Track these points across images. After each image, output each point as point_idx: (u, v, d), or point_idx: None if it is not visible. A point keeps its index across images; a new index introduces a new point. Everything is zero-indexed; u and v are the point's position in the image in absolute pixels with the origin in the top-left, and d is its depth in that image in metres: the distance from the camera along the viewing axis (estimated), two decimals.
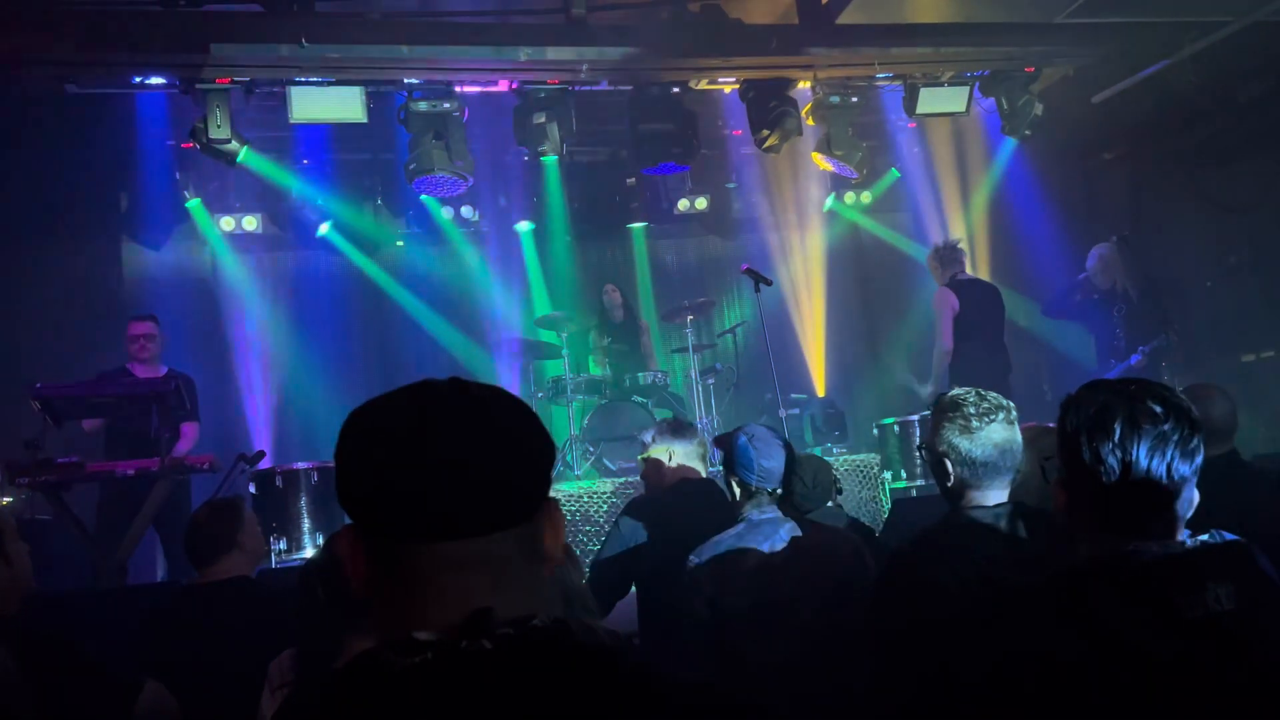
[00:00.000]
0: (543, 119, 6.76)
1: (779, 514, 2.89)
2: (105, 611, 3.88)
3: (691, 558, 2.87)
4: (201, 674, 2.66)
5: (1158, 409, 1.52)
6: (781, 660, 2.66)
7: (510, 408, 1.05)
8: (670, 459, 3.70)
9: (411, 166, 6.69)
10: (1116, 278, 6.83)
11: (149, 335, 5.98)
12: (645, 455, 3.79)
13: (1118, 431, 1.51)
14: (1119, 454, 1.50)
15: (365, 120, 6.45)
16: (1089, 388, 1.62)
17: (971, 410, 2.26)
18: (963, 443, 2.24)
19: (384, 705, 0.91)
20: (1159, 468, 1.49)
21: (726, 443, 3.06)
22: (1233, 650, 1.36)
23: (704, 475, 3.72)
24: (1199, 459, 1.53)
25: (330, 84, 6.38)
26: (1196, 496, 1.54)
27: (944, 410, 2.30)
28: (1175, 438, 1.50)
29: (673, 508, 3.49)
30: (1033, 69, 7.44)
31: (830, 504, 3.69)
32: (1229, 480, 3.14)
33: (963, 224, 8.88)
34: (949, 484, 2.29)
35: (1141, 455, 1.49)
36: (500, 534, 0.99)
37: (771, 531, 2.82)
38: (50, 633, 2.42)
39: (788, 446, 3.00)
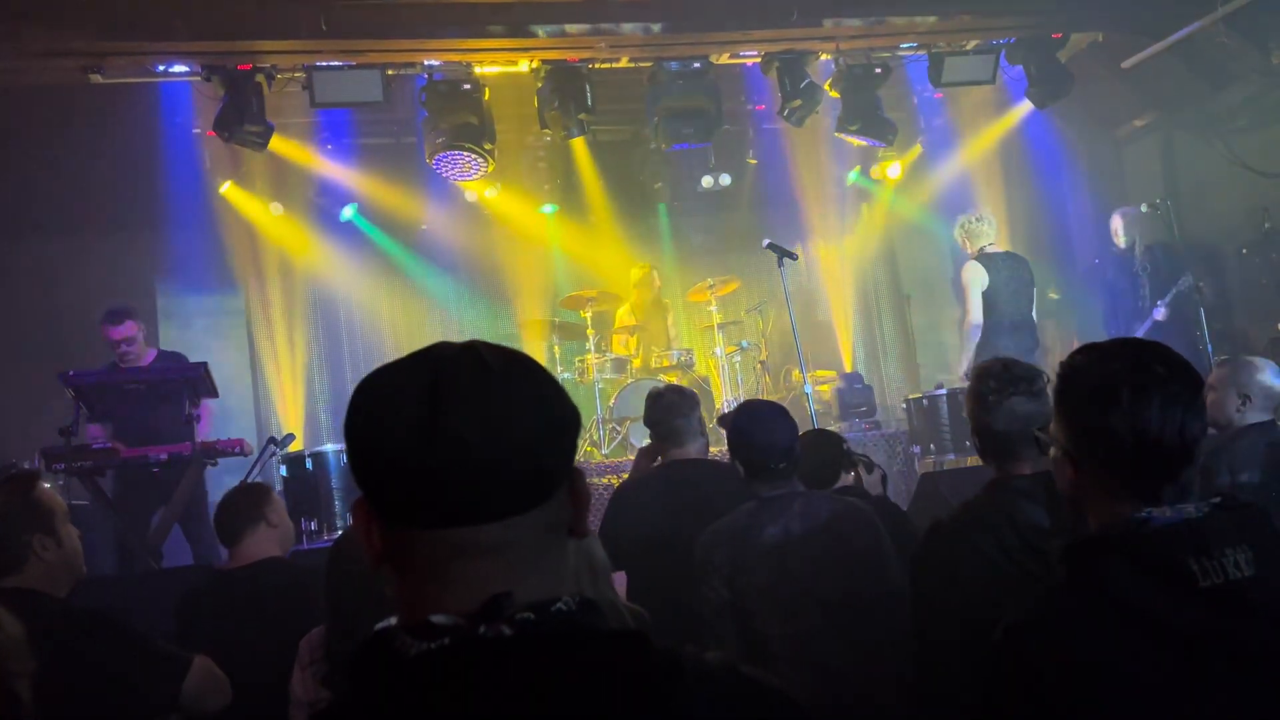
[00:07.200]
0: (563, 97, 6.73)
1: (791, 489, 2.85)
2: (141, 594, 3.94)
3: (703, 538, 2.82)
4: (233, 653, 2.70)
5: (1160, 368, 1.45)
6: (803, 635, 2.65)
7: (530, 376, 0.95)
8: (655, 445, 3.75)
9: (432, 148, 6.69)
10: (1136, 238, 6.76)
11: (130, 339, 5.51)
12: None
13: (1125, 393, 1.43)
14: (1129, 416, 1.42)
15: (383, 100, 6.45)
16: (1084, 352, 1.54)
17: (992, 384, 2.30)
18: (983, 416, 2.30)
19: (396, 692, 0.86)
20: (1171, 428, 1.42)
21: (727, 422, 3.03)
22: (1253, 617, 1.32)
23: (693, 456, 3.62)
24: (1205, 418, 1.47)
25: (350, 68, 6.39)
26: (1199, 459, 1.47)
27: (971, 382, 2.37)
28: (1183, 396, 1.44)
29: (657, 490, 3.49)
30: (1060, 35, 7.30)
31: (850, 479, 3.66)
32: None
33: (991, 195, 8.75)
34: (980, 452, 2.38)
35: (1153, 416, 1.42)
36: (519, 517, 0.91)
37: (784, 508, 2.78)
38: (100, 609, 2.47)
39: (791, 420, 2.92)
